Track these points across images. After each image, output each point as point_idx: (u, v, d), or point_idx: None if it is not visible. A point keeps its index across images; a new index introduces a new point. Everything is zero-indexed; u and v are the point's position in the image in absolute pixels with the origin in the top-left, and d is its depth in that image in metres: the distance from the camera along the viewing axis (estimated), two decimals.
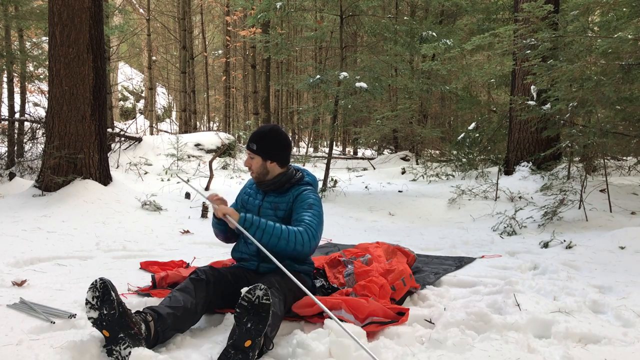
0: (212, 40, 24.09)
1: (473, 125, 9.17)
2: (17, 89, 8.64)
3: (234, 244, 2.77)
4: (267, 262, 2.57)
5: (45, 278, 3.00)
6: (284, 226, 2.42)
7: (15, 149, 7.72)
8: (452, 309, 2.48)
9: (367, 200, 6.85)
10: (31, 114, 8.41)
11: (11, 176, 6.48)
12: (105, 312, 1.90)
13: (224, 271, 2.49)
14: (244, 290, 1.94)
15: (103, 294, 1.91)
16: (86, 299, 1.92)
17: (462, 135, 9.09)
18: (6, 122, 7.94)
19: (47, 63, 5.90)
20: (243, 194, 2.76)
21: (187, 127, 17.16)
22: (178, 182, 7.91)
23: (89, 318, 1.92)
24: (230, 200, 2.74)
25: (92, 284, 1.93)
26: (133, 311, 2.03)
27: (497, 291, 2.79)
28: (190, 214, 5.55)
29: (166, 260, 3.50)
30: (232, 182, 8.53)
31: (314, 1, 8.38)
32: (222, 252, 3.82)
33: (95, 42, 5.52)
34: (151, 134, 18.14)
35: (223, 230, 2.65)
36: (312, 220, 2.49)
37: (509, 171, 7.58)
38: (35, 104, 11.02)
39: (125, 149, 10.11)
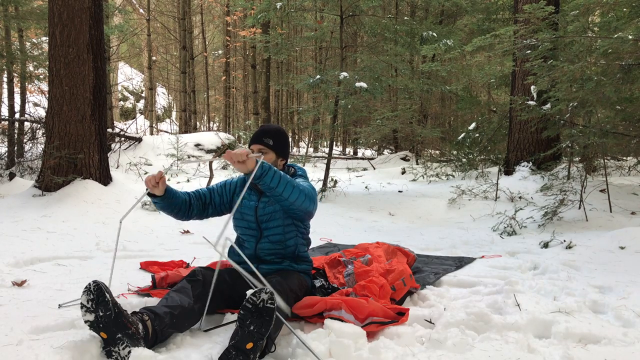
0: (212, 41, 24.09)
1: (473, 125, 9.17)
2: (17, 89, 8.64)
3: (230, 246, 2.74)
4: (266, 263, 2.57)
5: (45, 278, 3.00)
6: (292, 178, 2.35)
7: (15, 149, 7.72)
8: (452, 309, 2.47)
9: (367, 200, 6.84)
10: (31, 114, 8.41)
11: (11, 176, 6.48)
12: (101, 314, 1.90)
13: (222, 272, 2.48)
14: (249, 292, 1.93)
15: (97, 296, 1.90)
16: (81, 303, 1.92)
17: (462, 135, 9.09)
18: (6, 122, 7.94)
19: (47, 63, 5.90)
20: (237, 197, 2.67)
21: (187, 127, 17.17)
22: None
23: (86, 321, 1.92)
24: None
25: (86, 287, 1.92)
26: (130, 312, 2.03)
27: (497, 291, 2.79)
28: None
29: (166, 260, 3.50)
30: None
31: (314, 1, 8.37)
32: None
33: (95, 42, 5.52)
34: (151, 134, 18.15)
35: (166, 206, 2.55)
36: (307, 183, 2.46)
37: (509, 171, 7.58)
38: (35, 104, 11.03)
39: (125, 149, 10.11)
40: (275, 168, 2.28)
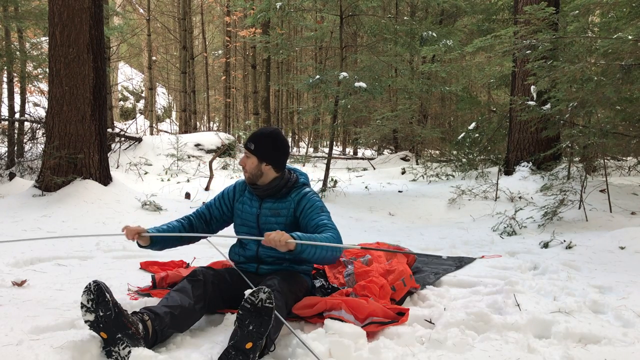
0: (212, 41, 24.11)
1: (473, 125, 9.17)
2: (17, 89, 8.64)
3: (231, 246, 2.75)
4: (267, 264, 2.57)
5: (45, 278, 3.00)
6: (322, 235, 2.38)
7: (15, 149, 7.73)
8: (452, 309, 2.47)
9: (367, 200, 6.85)
10: (31, 114, 8.41)
11: (11, 176, 6.48)
12: (101, 314, 1.90)
13: (222, 271, 2.48)
14: (247, 292, 1.92)
15: (98, 296, 1.90)
16: (81, 303, 1.92)
17: (462, 135, 9.10)
18: (6, 122, 7.94)
19: (47, 63, 5.90)
20: (237, 203, 2.69)
21: (187, 127, 17.17)
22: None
23: (86, 321, 1.92)
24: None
25: (86, 287, 1.92)
26: (130, 312, 2.03)
27: (497, 291, 2.79)
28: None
29: (166, 260, 3.50)
30: (232, 182, 8.54)
31: (314, 1, 8.37)
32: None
33: (95, 42, 5.52)
34: (151, 134, 18.15)
35: (159, 249, 2.64)
36: (331, 222, 2.49)
37: (509, 171, 7.58)
38: (35, 104, 11.03)
39: (125, 149, 10.11)
40: (313, 240, 2.28)
